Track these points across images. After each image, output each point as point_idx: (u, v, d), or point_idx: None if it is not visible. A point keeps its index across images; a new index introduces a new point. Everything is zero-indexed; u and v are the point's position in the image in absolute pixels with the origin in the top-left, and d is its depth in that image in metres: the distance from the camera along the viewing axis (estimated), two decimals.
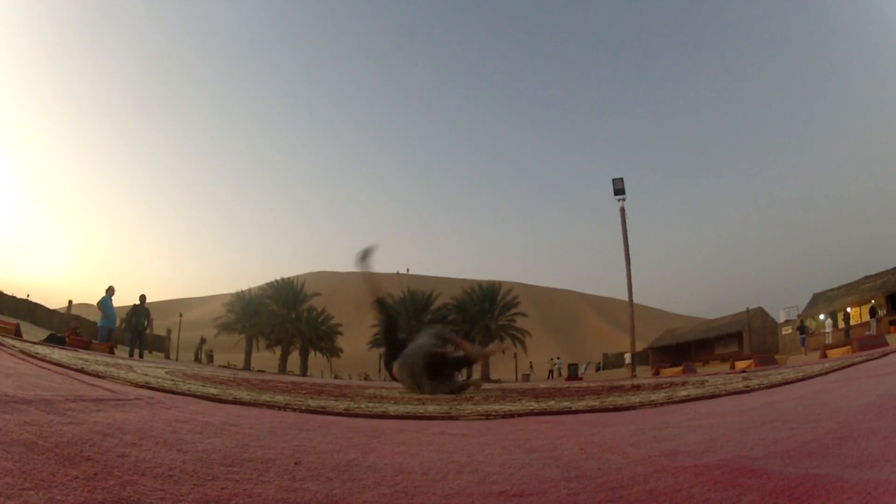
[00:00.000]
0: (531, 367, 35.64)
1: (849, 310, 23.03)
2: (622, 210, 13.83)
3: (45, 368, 2.45)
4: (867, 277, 24.97)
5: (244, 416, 1.59)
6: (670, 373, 11.35)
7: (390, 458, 1.01)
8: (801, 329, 23.60)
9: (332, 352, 37.79)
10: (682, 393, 2.51)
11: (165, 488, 0.69)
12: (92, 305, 11.21)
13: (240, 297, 36.85)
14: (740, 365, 8.99)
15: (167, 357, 26.12)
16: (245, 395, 2.33)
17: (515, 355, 34.69)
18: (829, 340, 18.86)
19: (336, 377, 30.02)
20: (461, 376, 4.35)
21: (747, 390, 2.39)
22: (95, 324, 10.91)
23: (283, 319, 35.37)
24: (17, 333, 6.88)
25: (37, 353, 3.21)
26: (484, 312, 34.47)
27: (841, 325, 22.28)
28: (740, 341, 29.49)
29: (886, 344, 6.73)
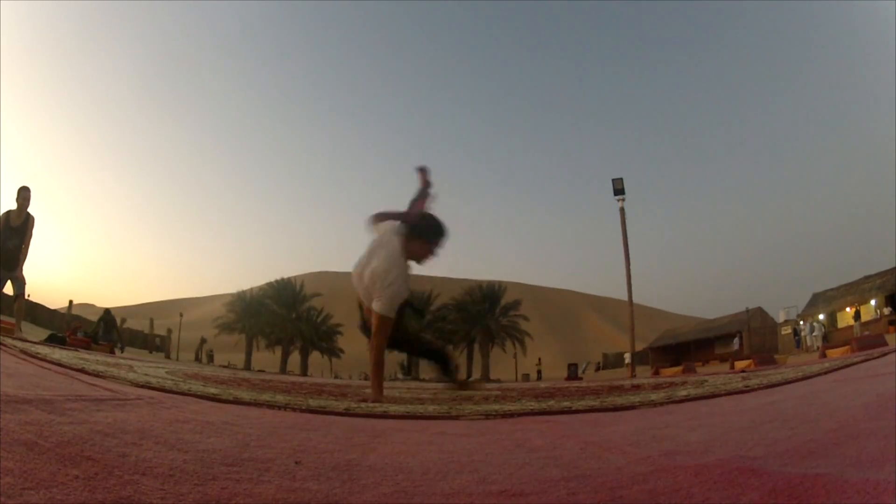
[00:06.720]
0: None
1: (848, 309, 23.12)
2: (622, 210, 13.84)
3: (45, 368, 2.45)
4: (867, 277, 24.97)
5: (244, 416, 1.59)
6: (670, 373, 11.35)
7: (390, 458, 1.01)
8: (796, 331, 23.93)
9: (333, 352, 37.81)
10: (682, 393, 2.51)
11: (166, 488, 0.69)
12: (92, 305, 11.21)
13: (240, 297, 36.90)
14: (740, 365, 8.99)
15: (167, 357, 26.12)
16: (245, 395, 2.33)
17: (515, 355, 34.71)
18: (823, 342, 18.94)
19: (336, 377, 30.01)
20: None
21: (747, 390, 2.39)
22: (95, 323, 10.93)
23: (283, 319, 35.39)
24: None
25: (37, 353, 3.21)
26: (484, 313, 34.47)
27: (841, 324, 22.43)
28: (740, 341, 29.53)
29: (886, 344, 6.73)
